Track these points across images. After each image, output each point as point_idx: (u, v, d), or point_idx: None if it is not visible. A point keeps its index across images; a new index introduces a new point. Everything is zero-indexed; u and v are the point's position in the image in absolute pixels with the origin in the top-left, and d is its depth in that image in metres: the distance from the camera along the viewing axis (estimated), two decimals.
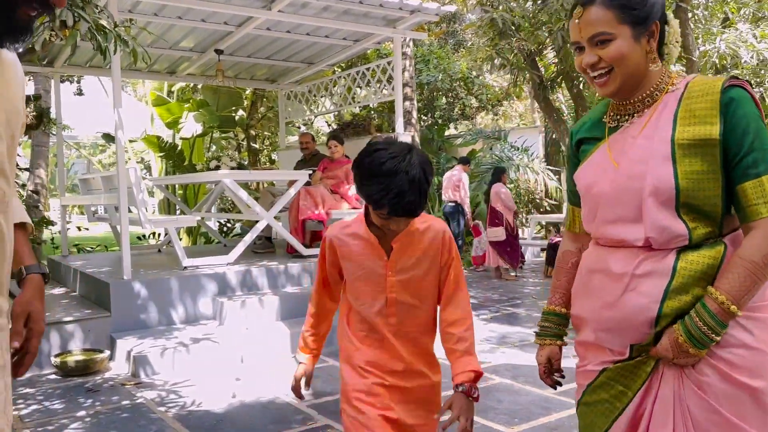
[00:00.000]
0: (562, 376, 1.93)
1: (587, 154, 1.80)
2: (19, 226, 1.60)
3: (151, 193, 12.91)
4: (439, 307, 2.18)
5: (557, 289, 1.94)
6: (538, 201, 13.74)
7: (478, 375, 2.01)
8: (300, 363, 2.24)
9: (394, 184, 1.82)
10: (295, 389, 2.22)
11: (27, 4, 1.19)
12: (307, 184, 7.35)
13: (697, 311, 1.53)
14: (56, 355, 5.39)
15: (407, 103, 11.70)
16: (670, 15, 1.71)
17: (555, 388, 1.99)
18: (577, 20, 1.63)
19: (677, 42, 1.77)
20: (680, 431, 1.62)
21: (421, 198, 1.89)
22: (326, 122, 13.78)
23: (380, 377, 2.11)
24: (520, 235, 10.40)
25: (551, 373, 1.93)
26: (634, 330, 1.63)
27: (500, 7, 7.50)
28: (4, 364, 1.36)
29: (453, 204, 9.86)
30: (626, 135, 1.68)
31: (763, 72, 7.06)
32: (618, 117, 1.72)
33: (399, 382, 2.13)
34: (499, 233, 9.35)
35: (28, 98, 6.82)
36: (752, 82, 7.09)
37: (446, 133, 15.39)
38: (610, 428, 1.72)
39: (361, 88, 8.56)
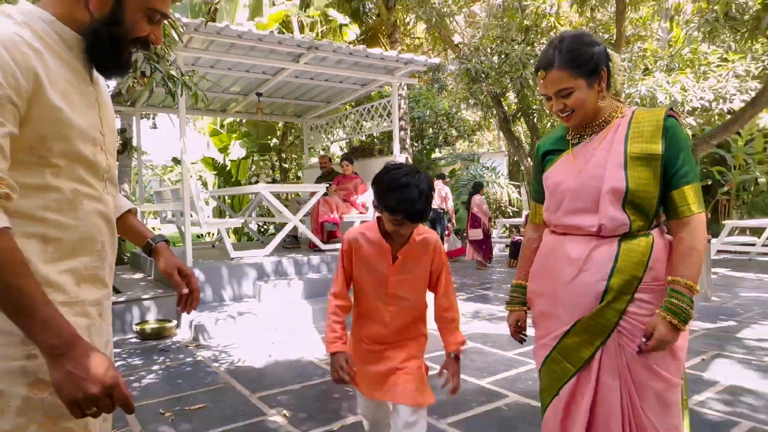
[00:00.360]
0: (525, 335, 1.93)
1: (552, 162, 1.78)
2: (129, 212, 1.56)
3: (206, 202, 12.95)
4: (434, 298, 2.13)
5: (523, 267, 1.92)
6: (503, 208, 13.75)
7: (464, 343, 2.04)
8: (336, 353, 1.94)
9: (408, 194, 1.81)
10: (337, 376, 1.91)
11: (132, 45, 1.23)
12: (325, 194, 7.29)
13: (674, 297, 1.50)
14: (137, 324, 5.44)
15: (402, 132, 11.62)
16: (611, 52, 1.75)
17: (521, 343, 1.96)
18: (542, 80, 1.66)
19: (620, 70, 1.81)
20: (623, 379, 1.60)
21: (427, 206, 1.88)
22: (339, 147, 13.78)
23: (371, 350, 2.09)
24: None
25: (519, 332, 1.93)
26: (584, 304, 1.61)
27: (473, 60, 7.51)
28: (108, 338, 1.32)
29: (440, 210, 9.84)
30: (588, 147, 1.68)
31: (675, 109, 7.06)
32: (579, 136, 1.72)
33: (389, 354, 2.08)
34: (477, 234, 9.39)
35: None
36: None
37: (432, 155, 15.41)
38: (563, 387, 1.68)
39: (366, 121, 8.51)
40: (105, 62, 1.22)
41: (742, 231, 11.16)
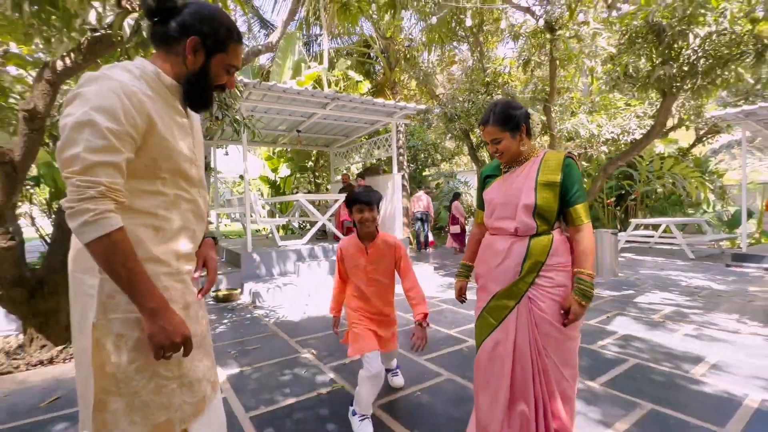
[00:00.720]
0: (465, 298, 1.96)
1: (490, 183, 1.80)
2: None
3: (263, 207, 13.05)
4: (402, 282, 2.15)
5: (469, 251, 1.96)
6: (473, 211, 13.71)
7: (426, 315, 2.03)
8: (333, 318, 2.31)
9: (359, 194, 2.05)
10: (335, 329, 2.33)
11: (215, 89, 1.23)
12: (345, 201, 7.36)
13: (581, 284, 1.53)
14: (213, 291, 5.38)
15: (400, 157, 11.61)
16: (532, 112, 1.82)
17: (462, 303, 1.99)
18: (481, 132, 1.70)
19: (538, 124, 1.89)
20: (525, 340, 1.60)
21: (372, 199, 2.04)
22: (356, 168, 13.86)
23: (366, 315, 2.16)
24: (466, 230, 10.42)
25: (461, 295, 1.96)
26: (506, 280, 1.65)
27: (449, 106, 7.54)
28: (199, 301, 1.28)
29: (425, 212, 9.84)
30: (512, 176, 1.70)
31: (591, 141, 7.02)
32: (508, 167, 1.73)
33: (375, 318, 2.17)
34: (456, 229, 9.32)
35: None
36: (585, 146, 7.07)
37: (423, 173, 15.29)
38: (489, 335, 1.68)
39: (376, 148, 8.52)
40: (196, 102, 1.22)
41: (647, 227, 11.07)
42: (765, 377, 2.60)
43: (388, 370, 2.53)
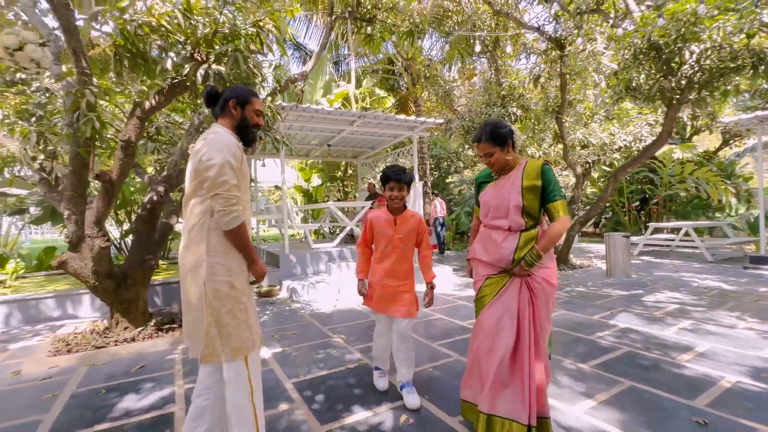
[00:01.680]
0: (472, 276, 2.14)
1: (484, 188, 2.03)
2: None
3: (297, 214, 13.64)
4: (417, 250, 2.44)
5: (473, 242, 2.15)
6: None
7: (434, 277, 2.36)
8: (359, 280, 2.43)
9: (393, 170, 2.29)
10: (360, 292, 2.41)
11: (254, 128, 1.83)
12: (371, 207, 7.50)
13: (530, 254, 1.82)
14: (257, 288, 5.62)
15: (424, 165, 11.99)
16: (516, 131, 2.15)
17: (471, 277, 2.17)
18: (476, 147, 1.98)
19: (520, 141, 2.21)
20: (525, 301, 1.85)
21: (404, 177, 2.27)
22: (373, 178, 14.23)
23: (383, 281, 2.36)
24: None
25: (470, 274, 2.17)
26: (504, 264, 1.90)
27: (466, 118, 7.86)
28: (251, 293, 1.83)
29: (443, 217, 9.97)
30: (502, 182, 1.94)
31: (604, 149, 7.11)
32: (497, 175, 1.97)
33: (391, 282, 2.35)
34: None
35: None
36: (599, 154, 7.17)
37: (447, 180, 15.54)
38: (491, 300, 1.92)
39: (400, 158, 8.79)
40: (244, 138, 1.82)
41: (668, 230, 10.86)
42: (746, 364, 2.79)
43: (401, 386, 2.42)
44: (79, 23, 3.27)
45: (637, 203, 12.31)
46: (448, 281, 6.41)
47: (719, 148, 13.30)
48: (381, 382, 2.52)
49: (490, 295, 1.95)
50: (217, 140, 1.64)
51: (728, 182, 10.53)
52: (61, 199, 3.33)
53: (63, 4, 2.75)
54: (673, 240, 9.25)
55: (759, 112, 6.41)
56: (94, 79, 3.19)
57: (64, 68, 3.29)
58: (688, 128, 11.02)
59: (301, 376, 2.81)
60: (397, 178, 2.28)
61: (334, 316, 4.50)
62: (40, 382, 2.86)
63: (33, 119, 3.72)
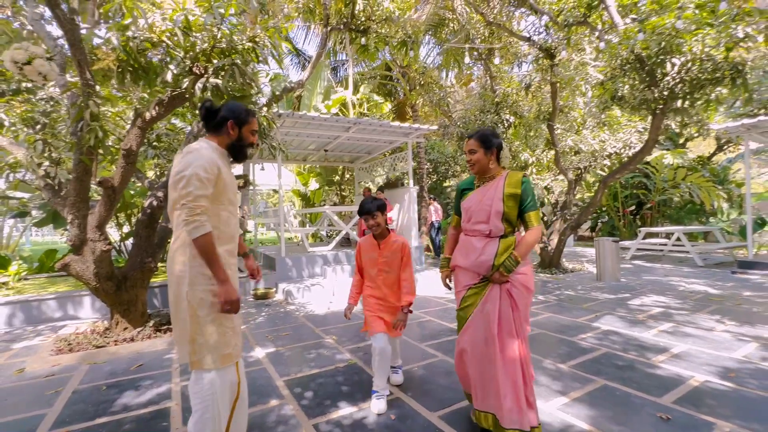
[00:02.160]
0: (451, 286, 2.27)
1: (467, 195, 2.12)
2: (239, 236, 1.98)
3: (294, 217, 13.74)
4: (400, 274, 2.49)
5: (448, 249, 2.28)
6: None
7: (410, 303, 2.41)
8: (348, 305, 2.54)
9: (363, 206, 2.42)
10: (346, 315, 2.50)
11: (248, 148, 1.87)
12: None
13: (508, 259, 1.93)
14: (253, 290, 5.89)
15: (421, 170, 12.07)
16: (504, 145, 2.27)
17: (449, 290, 2.29)
18: (465, 143, 2.10)
19: (506, 158, 2.35)
20: (506, 306, 1.95)
21: (371, 209, 2.40)
22: (380, 180, 14.37)
23: (376, 303, 2.49)
24: None
25: (447, 283, 2.28)
26: (484, 270, 2.00)
27: (460, 124, 8.02)
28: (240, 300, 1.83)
29: (438, 221, 10.00)
30: (484, 189, 2.04)
31: (595, 156, 7.25)
32: (480, 183, 2.08)
33: (383, 304, 2.49)
34: None
35: (240, 176, 7.47)
36: (590, 161, 7.31)
37: (444, 184, 15.66)
38: (473, 309, 2.01)
39: (399, 162, 8.87)
40: (237, 156, 1.85)
41: (660, 235, 11.02)
42: (717, 365, 2.92)
43: (391, 367, 2.71)
44: (83, 32, 3.44)
45: (633, 208, 12.47)
46: (441, 284, 6.54)
47: (713, 154, 13.47)
48: (380, 405, 2.36)
49: (473, 305, 2.04)
50: (191, 155, 1.66)
51: (720, 188, 10.69)
52: (64, 203, 3.48)
53: (68, 20, 2.91)
54: (665, 245, 9.40)
55: (745, 120, 6.57)
56: (98, 88, 3.35)
57: (69, 77, 3.46)
58: (684, 134, 11.20)
59: (292, 374, 2.94)
60: (366, 210, 2.43)
61: (328, 317, 4.63)
62: (44, 380, 3.00)
63: (38, 127, 3.88)
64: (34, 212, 8.04)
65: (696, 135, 9.28)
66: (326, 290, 5.88)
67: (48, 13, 3.73)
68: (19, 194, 7.99)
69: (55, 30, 3.82)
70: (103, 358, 3.42)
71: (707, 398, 2.41)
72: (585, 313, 4.48)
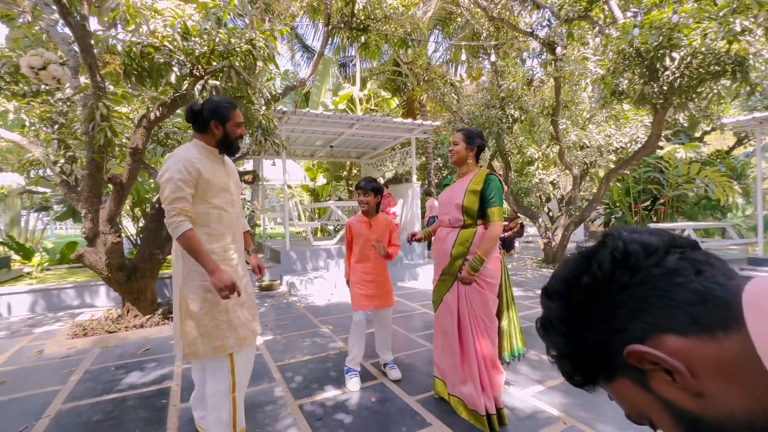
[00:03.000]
0: (410, 241, 2.46)
1: (446, 188, 2.30)
2: (246, 232, 2.11)
3: (303, 212, 13.90)
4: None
5: (432, 228, 2.45)
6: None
7: (394, 253, 2.59)
8: (347, 282, 2.75)
9: (360, 182, 2.57)
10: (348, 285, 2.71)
11: (236, 141, 1.89)
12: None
13: (474, 259, 2.03)
14: (258, 282, 6.01)
15: (431, 164, 12.09)
16: (486, 147, 2.37)
17: (408, 242, 2.49)
18: (453, 134, 2.25)
19: (495, 156, 2.46)
20: (463, 302, 2.09)
21: (369, 185, 2.55)
22: (382, 177, 14.43)
23: (363, 278, 2.63)
24: None
25: (411, 238, 2.46)
26: (444, 257, 2.15)
27: (464, 120, 8.04)
28: (251, 292, 1.94)
29: (437, 216, 9.94)
30: (456, 184, 2.19)
31: (600, 151, 7.18)
32: (457, 179, 2.22)
33: (370, 279, 2.62)
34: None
35: (249, 172, 7.63)
36: (595, 156, 7.25)
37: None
38: (441, 300, 2.19)
39: (407, 158, 8.93)
40: (228, 151, 1.89)
41: (680, 232, 10.82)
42: None
43: (384, 364, 2.81)
44: (100, 33, 3.66)
45: (648, 203, 12.23)
46: None
47: (732, 148, 13.07)
48: (354, 383, 2.56)
49: (439, 295, 2.22)
50: (170, 160, 1.72)
51: (736, 183, 10.39)
52: (79, 198, 3.74)
53: (80, 26, 3.13)
54: None
55: (757, 114, 6.42)
56: (111, 87, 3.57)
57: (82, 80, 3.69)
58: (699, 128, 10.89)
59: (285, 360, 3.13)
60: (361, 185, 2.60)
61: (327, 309, 4.81)
62: (60, 360, 3.27)
63: (56, 126, 4.15)
64: (55, 207, 8.47)
65: (710, 129, 9.03)
66: (328, 283, 6.05)
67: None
68: (41, 189, 8.44)
69: (70, 32, 4.07)
70: (114, 343, 3.68)
71: None
72: None
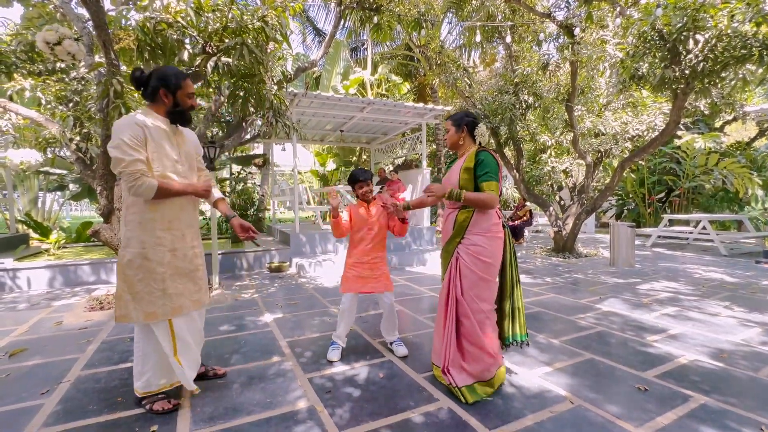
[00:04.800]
0: (389, 206, 2.56)
1: (448, 169, 2.34)
2: (220, 199, 2.13)
3: (312, 197, 13.98)
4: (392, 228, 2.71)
5: (415, 201, 2.55)
6: (508, 203, 13.78)
7: (404, 219, 2.65)
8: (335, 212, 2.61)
9: (353, 174, 2.65)
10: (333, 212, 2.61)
11: (187, 111, 1.92)
12: (380, 192, 7.71)
13: (453, 190, 2.10)
14: (268, 263, 6.17)
15: (444, 150, 11.98)
16: (480, 124, 2.35)
17: (385, 210, 2.64)
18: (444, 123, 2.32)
19: (483, 135, 2.40)
20: (456, 279, 2.12)
21: (362, 176, 2.65)
22: (391, 163, 14.41)
23: (358, 261, 2.69)
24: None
25: (385, 204, 2.59)
26: (447, 235, 2.22)
27: (477, 105, 7.92)
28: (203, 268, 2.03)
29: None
30: (455, 165, 2.27)
31: (616, 138, 7.03)
32: (454, 159, 2.31)
33: (366, 261, 2.67)
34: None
35: (259, 155, 7.66)
36: (611, 144, 7.09)
37: None
38: (446, 270, 2.23)
39: (417, 143, 8.90)
40: (179, 122, 1.93)
41: (687, 223, 10.61)
42: (711, 346, 2.93)
43: (391, 342, 2.86)
44: (112, 13, 3.67)
45: (662, 195, 11.99)
46: None
47: (754, 139, 12.66)
48: (335, 354, 2.67)
49: (443, 273, 2.30)
50: (115, 128, 1.76)
51: (757, 175, 10.09)
52: (94, 176, 3.80)
53: (94, 2, 3.13)
54: (691, 233, 9.07)
55: None
56: (124, 67, 3.58)
57: (96, 58, 3.71)
58: (720, 117, 10.56)
59: (295, 336, 3.18)
60: (363, 179, 2.69)
61: (335, 290, 4.85)
62: (78, 331, 3.37)
63: (71, 104, 4.20)
64: (71, 186, 8.64)
65: (731, 118, 8.75)
66: (337, 265, 6.11)
67: None
68: (57, 171, 8.60)
69: (85, 12, 4.09)
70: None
71: (692, 375, 2.46)
72: (589, 295, 4.50)
